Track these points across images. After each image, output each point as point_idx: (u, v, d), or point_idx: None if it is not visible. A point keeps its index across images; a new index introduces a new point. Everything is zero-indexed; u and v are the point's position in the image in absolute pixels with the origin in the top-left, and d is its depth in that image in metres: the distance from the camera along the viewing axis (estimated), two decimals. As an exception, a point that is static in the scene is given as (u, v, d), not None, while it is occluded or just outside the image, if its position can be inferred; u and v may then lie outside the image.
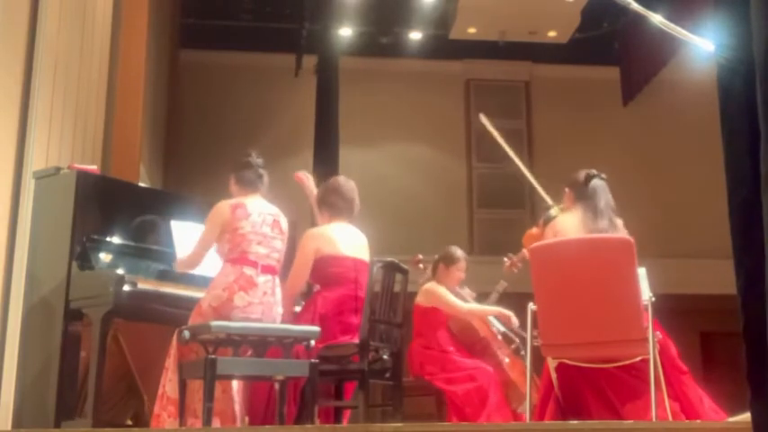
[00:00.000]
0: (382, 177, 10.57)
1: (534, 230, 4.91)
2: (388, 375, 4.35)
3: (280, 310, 4.00)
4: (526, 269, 4.43)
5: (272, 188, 4.19)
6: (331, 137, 10.01)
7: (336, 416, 4.37)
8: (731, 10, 2.65)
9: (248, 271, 3.87)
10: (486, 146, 10.34)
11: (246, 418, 4.06)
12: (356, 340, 4.14)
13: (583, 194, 4.36)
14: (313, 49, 10.49)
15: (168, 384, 3.82)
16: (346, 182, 4.60)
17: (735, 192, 2.56)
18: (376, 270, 4.22)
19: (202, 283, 4.08)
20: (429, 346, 5.34)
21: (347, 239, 4.41)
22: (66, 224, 4.13)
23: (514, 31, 10.40)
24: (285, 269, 4.20)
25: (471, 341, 5.52)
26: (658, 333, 3.95)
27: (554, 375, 4.12)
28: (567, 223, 4.33)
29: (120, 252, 4.25)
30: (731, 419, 3.61)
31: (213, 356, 3.61)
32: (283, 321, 4.04)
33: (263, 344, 3.86)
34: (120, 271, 4.03)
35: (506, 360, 5.44)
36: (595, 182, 4.37)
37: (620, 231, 4.27)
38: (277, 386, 3.89)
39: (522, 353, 5.44)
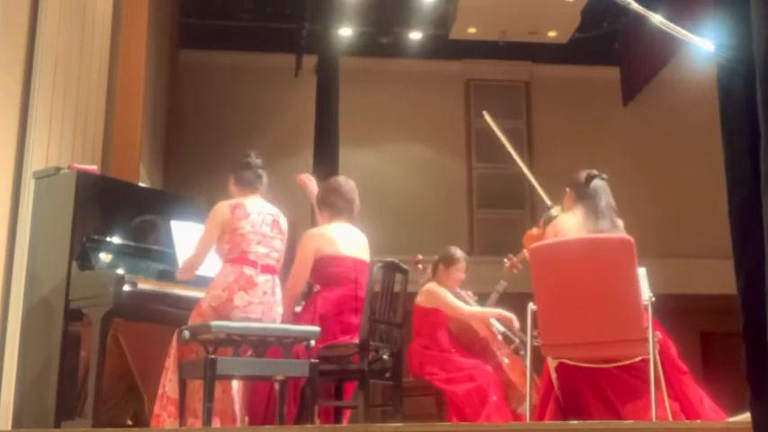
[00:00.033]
0: (382, 177, 10.57)
1: (535, 231, 4.92)
2: (388, 375, 4.35)
3: (280, 309, 4.00)
4: (526, 269, 4.43)
5: (272, 188, 4.19)
6: (331, 137, 10.01)
7: (336, 416, 4.37)
8: (731, 10, 2.65)
9: (248, 271, 3.88)
10: (487, 146, 10.37)
11: (246, 418, 4.06)
12: (356, 340, 4.14)
13: (584, 195, 4.36)
14: (313, 49, 10.49)
15: (168, 384, 3.82)
16: (346, 182, 4.60)
17: (735, 192, 2.56)
18: (376, 270, 4.22)
19: (202, 283, 4.08)
20: (429, 346, 5.34)
21: (347, 239, 4.41)
22: (66, 224, 4.13)
23: (514, 31, 10.40)
24: (285, 269, 4.20)
25: (471, 341, 5.51)
26: (658, 333, 3.95)
27: (554, 375, 4.12)
28: (568, 223, 4.33)
29: (120, 252, 4.25)
30: (731, 419, 3.61)
31: (213, 356, 3.61)
32: (284, 321, 4.04)
33: (263, 344, 3.86)
34: (120, 271, 4.03)
35: (506, 361, 5.44)
36: (597, 182, 4.37)
37: (621, 232, 4.27)
38: (277, 386, 3.89)
39: (522, 353, 5.44)
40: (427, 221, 10.58)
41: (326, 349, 4.12)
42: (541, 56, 11.13)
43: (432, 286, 5.50)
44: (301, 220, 5.29)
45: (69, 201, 4.16)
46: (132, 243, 4.32)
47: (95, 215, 4.25)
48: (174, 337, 3.84)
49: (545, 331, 4.00)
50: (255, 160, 4.12)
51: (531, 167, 6.67)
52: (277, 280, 4.01)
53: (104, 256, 4.19)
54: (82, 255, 4.10)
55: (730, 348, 4.98)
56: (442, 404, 5.18)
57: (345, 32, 10.55)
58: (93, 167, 4.59)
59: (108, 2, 5.93)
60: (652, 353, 3.78)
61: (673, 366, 4.12)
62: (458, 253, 5.59)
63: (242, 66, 10.91)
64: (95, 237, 4.18)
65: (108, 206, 4.32)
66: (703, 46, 3.21)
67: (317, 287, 4.45)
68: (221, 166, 4.45)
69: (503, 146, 5.88)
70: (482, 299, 5.88)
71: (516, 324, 5.36)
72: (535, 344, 4.06)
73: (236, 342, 3.77)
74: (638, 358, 3.90)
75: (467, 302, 5.58)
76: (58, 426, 3.91)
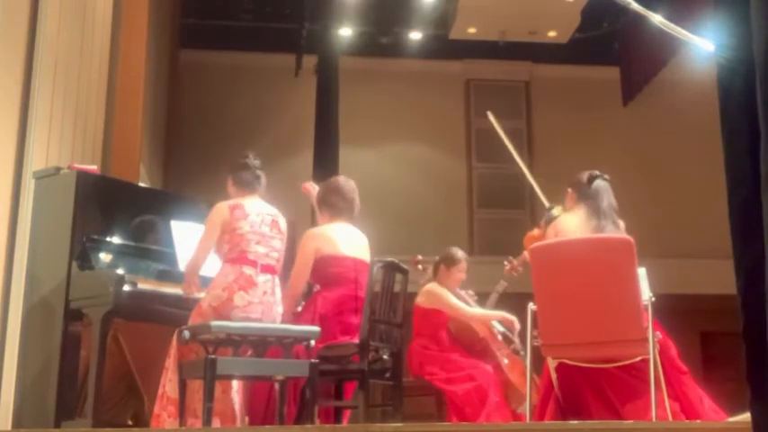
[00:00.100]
0: (382, 177, 10.57)
1: (535, 232, 4.92)
2: (388, 375, 4.35)
3: (280, 309, 4.00)
4: (526, 270, 4.43)
5: (272, 188, 4.19)
6: (331, 137, 10.01)
7: (336, 416, 4.37)
8: (731, 10, 2.65)
9: (248, 270, 3.88)
10: (487, 146, 10.38)
11: (246, 418, 4.06)
12: (356, 340, 4.14)
13: (585, 195, 4.36)
14: (313, 49, 10.49)
15: (168, 384, 3.82)
16: (346, 182, 4.60)
17: (735, 192, 2.56)
18: (376, 270, 4.21)
19: (202, 283, 4.08)
20: (429, 346, 5.34)
21: (347, 239, 4.41)
22: (66, 224, 4.13)
23: (514, 31, 10.40)
24: (285, 269, 4.20)
25: (470, 342, 5.51)
26: (658, 333, 3.95)
27: (554, 375, 4.12)
28: (569, 224, 4.33)
29: (120, 252, 4.25)
30: (731, 419, 3.61)
31: (213, 356, 3.61)
32: (284, 321, 4.04)
33: (263, 344, 3.86)
34: (120, 271, 4.03)
35: (506, 361, 5.44)
36: (598, 182, 4.37)
37: (622, 233, 4.27)
38: (277, 386, 3.89)
39: (522, 353, 5.44)
40: (427, 221, 10.58)
41: (326, 349, 4.12)
42: (541, 56, 11.13)
43: (432, 287, 5.50)
44: (301, 220, 5.29)
45: (69, 201, 4.16)
46: (132, 243, 4.33)
47: (95, 215, 4.25)
48: (174, 337, 3.84)
49: (545, 331, 3.99)
50: (254, 161, 4.12)
51: (531, 167, 6.68)
52: (277, 280, 4.01)
53: (104, 256, 4.19)
54: (82, 255, 4.10)
55: (730, 348, 4.99)
56: (442, 404, 5.18)
57: (345, 32, 10.56)
58: (93, 167, 4.59)
59: (108, 2, 5.93)
60: (652, 353, 3.77)
61: (673, 366, 4.12)
62: (459, 253, 5.59)
63: (242, 66, 10.91)
64: (95, 237, 4.18)
65: (108, 206, 4.32)
66: (703, 46, 3.21)
67: (317, 287, 4.44)
68: (221, 167, 4.45)
69: (503, 146, 5.89)
70: (482, 299, 5.88)
71: (518, 326, 5.35)
72: (535, 344, 4.06)
73: (236, 342, 3.77)
74: (638, 358, 3.89)
75: (467, 302, 5.58)
76: (57, 426, 3.91)
